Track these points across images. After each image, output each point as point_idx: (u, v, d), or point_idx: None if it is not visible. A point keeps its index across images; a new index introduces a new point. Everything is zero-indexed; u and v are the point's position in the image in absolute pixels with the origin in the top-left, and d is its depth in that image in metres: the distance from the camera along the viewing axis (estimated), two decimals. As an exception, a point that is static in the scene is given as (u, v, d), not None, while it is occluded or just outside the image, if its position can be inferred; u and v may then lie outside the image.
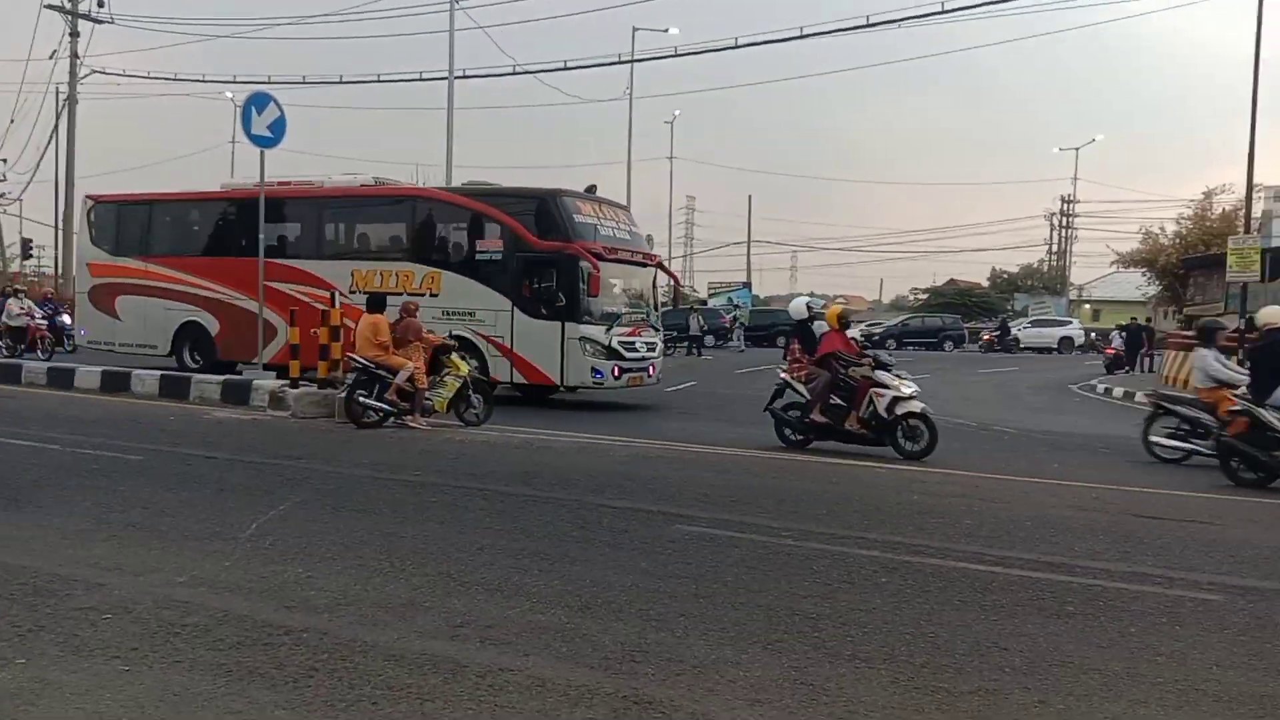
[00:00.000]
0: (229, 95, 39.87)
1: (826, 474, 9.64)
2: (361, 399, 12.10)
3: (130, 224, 19.72)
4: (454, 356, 12.69)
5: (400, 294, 15.01)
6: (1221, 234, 34.54)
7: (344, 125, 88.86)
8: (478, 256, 15.99)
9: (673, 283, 17.15)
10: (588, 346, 15.18)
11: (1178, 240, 43.47)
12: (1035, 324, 47.37)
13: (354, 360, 12.31)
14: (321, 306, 14.31)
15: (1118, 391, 23.05)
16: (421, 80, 29.49)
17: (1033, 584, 5.50)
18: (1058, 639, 4.55)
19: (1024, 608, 5.05)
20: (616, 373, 15.59)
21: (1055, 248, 65.95)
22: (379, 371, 12.08)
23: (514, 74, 30.61)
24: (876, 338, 26.32)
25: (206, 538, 6.04)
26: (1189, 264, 40.90)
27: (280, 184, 17.26)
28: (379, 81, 31.90)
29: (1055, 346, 44.26)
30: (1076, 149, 59.99)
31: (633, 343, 15.98)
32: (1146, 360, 30.66)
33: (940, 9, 22.96)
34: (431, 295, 15.84)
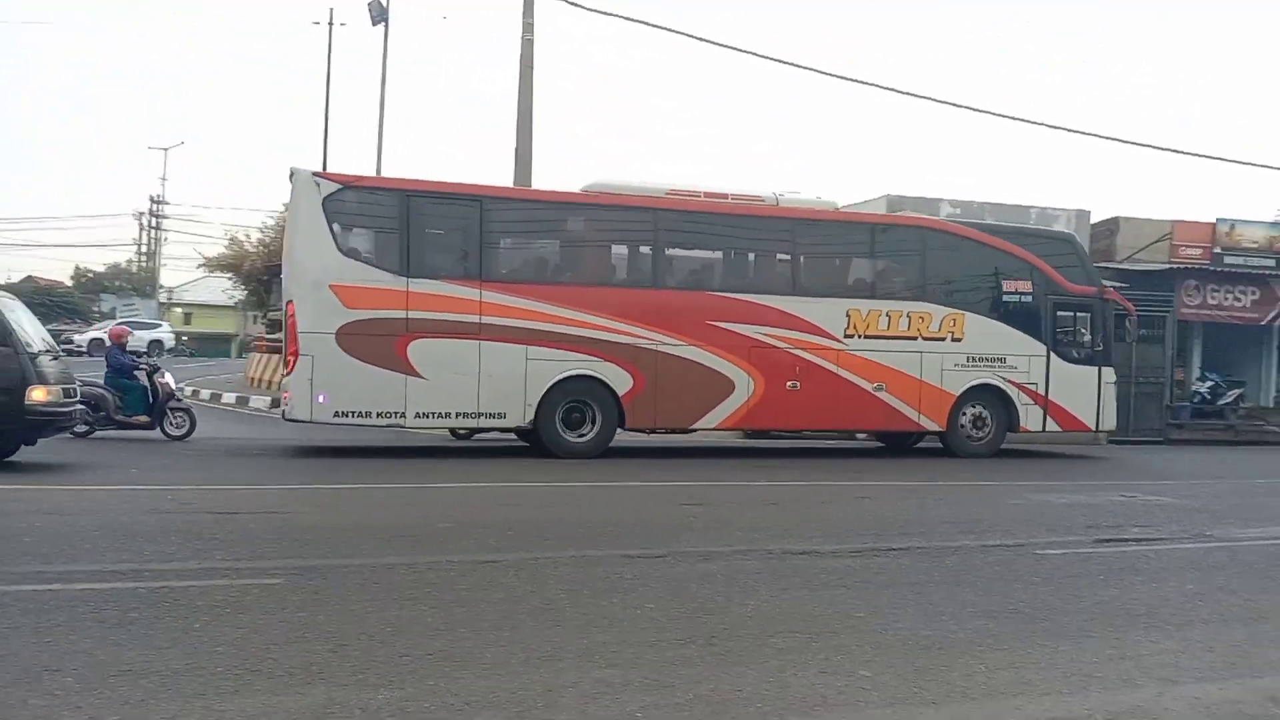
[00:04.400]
0: None
1: None
2: None
3: (435, 228, 13.28)
4: None
5: (914, 338, 14.46)
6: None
7: None
8: (1005, 298, 15.12)
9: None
10: (1114, 391, 15.73)
11: (262, 247, 45.67)
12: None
13: None
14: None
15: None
16: None
17: (96, 596, 5.21)
18: (119, 649, 4.38)
19: (84, 623, 4.75)
20: None
21: (145, 248, 64.03)
22: None
23: None
24: None
25: None
26: (275, 270, 43.33)
27: (710, 196, 14.01)
28: None
29: (145, 350, 43.28)
30: (165, 149, 59.18)
31: None
32: None
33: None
34: (953, 340, 14.71)
